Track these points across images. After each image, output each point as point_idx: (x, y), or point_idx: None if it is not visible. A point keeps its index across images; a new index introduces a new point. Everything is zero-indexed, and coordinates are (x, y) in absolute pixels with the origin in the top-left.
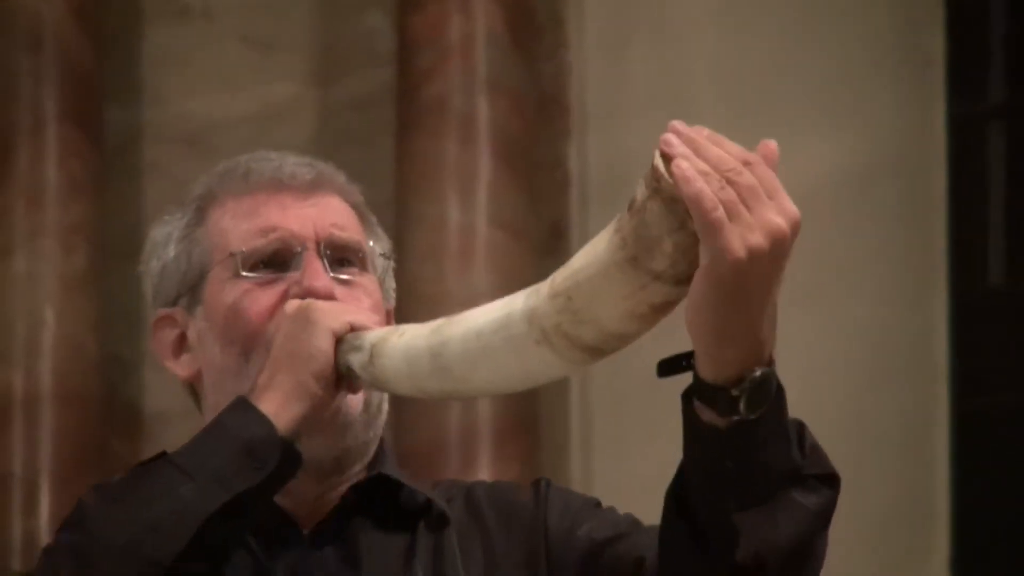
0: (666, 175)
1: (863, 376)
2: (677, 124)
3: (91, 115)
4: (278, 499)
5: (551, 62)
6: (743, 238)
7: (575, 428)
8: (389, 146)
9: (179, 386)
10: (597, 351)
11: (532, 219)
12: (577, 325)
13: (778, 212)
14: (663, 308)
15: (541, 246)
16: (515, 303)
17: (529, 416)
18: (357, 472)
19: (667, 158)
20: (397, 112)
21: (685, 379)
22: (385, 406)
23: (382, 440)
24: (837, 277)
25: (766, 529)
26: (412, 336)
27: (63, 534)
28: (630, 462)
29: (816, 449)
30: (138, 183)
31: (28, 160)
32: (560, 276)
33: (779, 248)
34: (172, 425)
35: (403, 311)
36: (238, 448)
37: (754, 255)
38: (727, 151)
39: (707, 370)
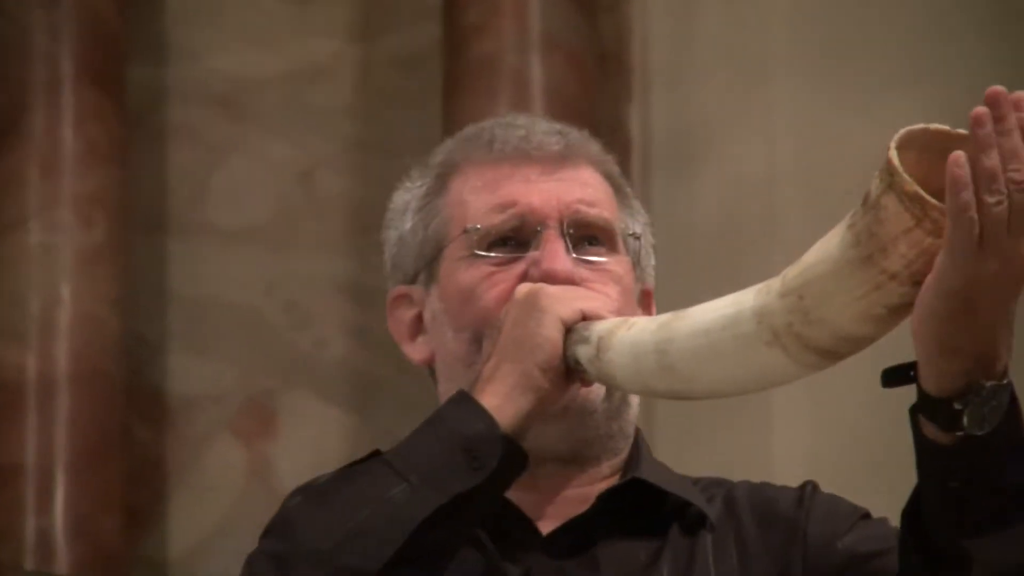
0: (901, 170)
1: None
2: (998, 90)
3: (112, 74)
4: (514, 496)
5: (612, 16)
6: (989, 262)
7: (638, 421)
8: (436, 108)
9: (206, 369)
10: (830, 354)
11: None
12: (808, 325)
13: None
14: (900, 310)
15: None
16: (744, 300)
17: None
18: (606, 474)
19: (903, 149)
20: (444, 71)
21: None
22: (634, 399)
23: (638, 437)
24: None
25: (1001, 555)
26: (639, 330)
27: (265, 540)
28: (694, 457)
29: None
30: (163, 148)
31: (43, 124)
32: (791, 273)
33: (1021, 276)
34: (201, 411)
35: None
36: (455, 446)
37: (996, 279)
38: None
39: (930, 382)
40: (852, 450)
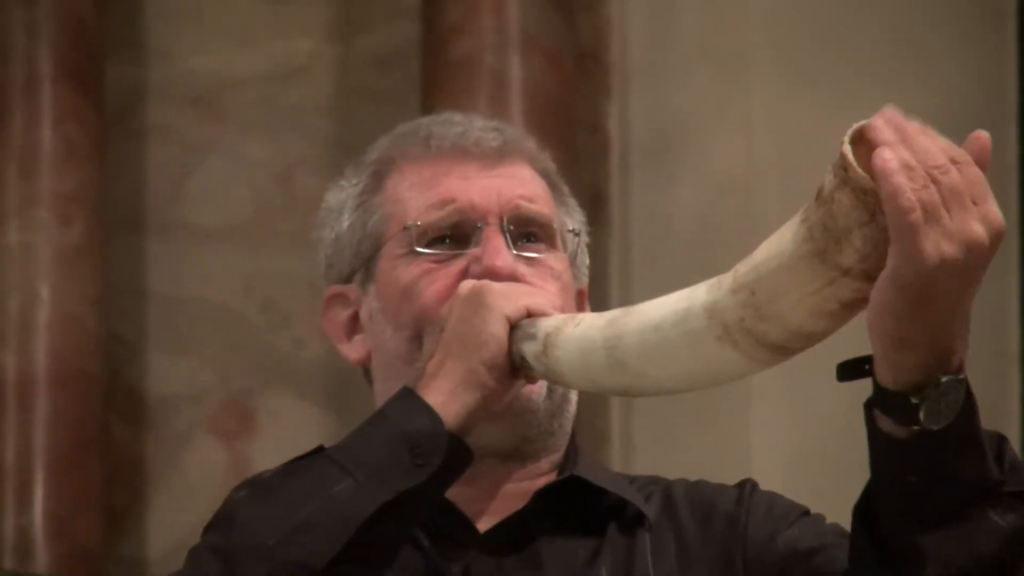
0: (855, 164)
1: None
2: (889, 111)
3: (90, 73)
4: (452, 493)
5: (590, 15)
6: (937, 246)
7: (616, 419)
8: (414, 107)
9: (185, 369)
10: (782, 350)
11: (570, 186)
12: (760, 321)
13: (981, 220)
14: (853, 305)
15: None
16: (696, 295)
17: None
18: (545, 470)
19: (856, 144)
20: (423, 70)
21: None
22: (573, 396)
23: (574, 437)
24: None
25: (957, 551)
26: (587, 327)
27: (209, 534)
28: (672, 455)
29: (1018, 465)
30: (142, 148)
31: (21, 123)
32: (743, 268)
33: (976, 260)
34: (179, 411)
35: None
36: (400, 443)
37: (946, 265)
38: (938, 144)
39: (886, 376)
40: (831, 448)
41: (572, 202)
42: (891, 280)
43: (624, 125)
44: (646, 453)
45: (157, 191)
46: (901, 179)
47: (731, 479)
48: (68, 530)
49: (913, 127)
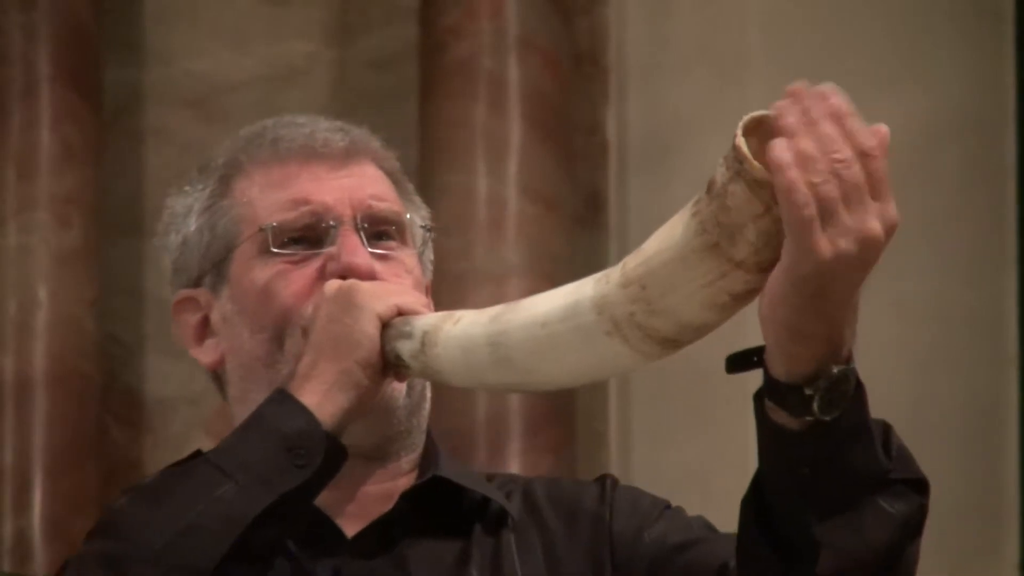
0: (749, 156)
1: (924, 359)
2: (799, 87)
3: (88, 76)
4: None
5: (587, 18)
6: (832, 242)
7: (613, 418)
8: (412, 110)
9: (182, 371)
10: (673, 343)
11: (567, 189)
12: (651, 315)
13: (878, 216)
14: (745, 296)
15: (576, 218)
16: (583, 290)
17: (564, 405)
18: (405, 470)
19: (753, 134)
20: (421, 73)
21: (724, 372)
22: (428, 392)
23: (430, 435)
24: (895, 250)
25: (849, 539)
26: (469, 324)
27: (92, 542)
28: (670, 454)
29: (904, 452)
30: (139, 150)
31: (19, 125)
32: (632, 262)
33: (870, 254)
34: (177, 413)
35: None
36: (278, 444)
37: (841, 260)
38: (846, 131)
39: (779, 367)
40: None
41: (418, 199)
42: (786, 274)
43: (621, 127)
44: (643, 455)
45: (155, 193)
46: (795, 173)
47: (729, 479)
48: (66, 532)
49: (822, 107)
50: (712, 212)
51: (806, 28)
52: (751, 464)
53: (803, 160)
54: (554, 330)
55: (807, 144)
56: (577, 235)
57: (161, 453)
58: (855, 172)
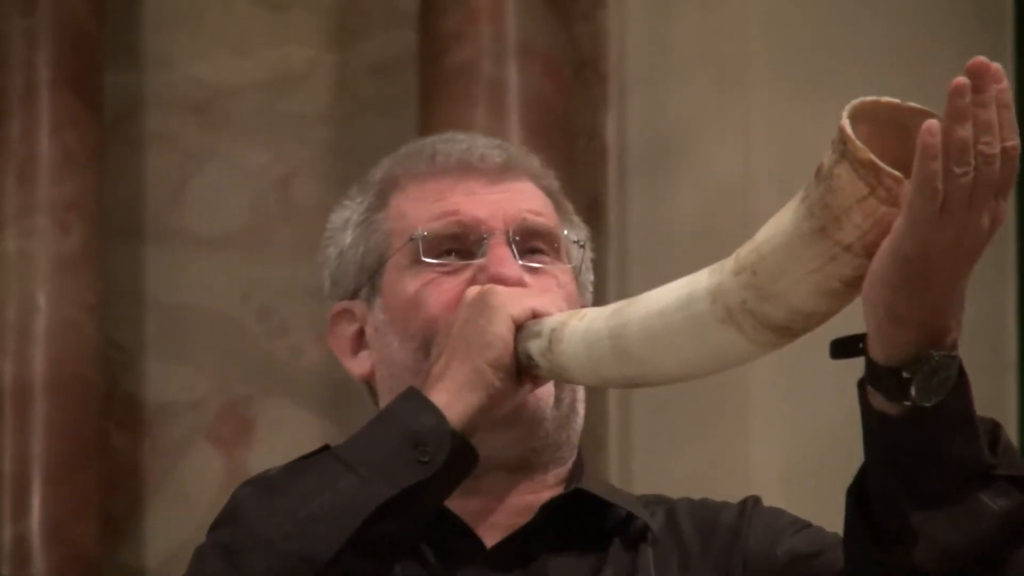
0: (853, 138)
1: None
2: (982, 62)
3: (89, 81)
4: (458, 505)
5: (588, 24)
6: (945, 232)
7: (613, 425)
8: (412, 115)
9: (183, 376)
10: (786, 331)
11: (567, 194)
12: (763, 302)
13: (992, 215)
14: (855, 283)
15: None
16: (699, 279)
17: None
18: (551, 483)
19: (859, 120)
20: (420, 78)
21: (725, 379)
22: (581, 408)
23: (580, 451)
24: None
25: (947, 531)
26: (592, 319)
27: (214, 531)
28: (671, 460)
29: (1011, 450)
30: (140, 155)
31: (20, 130)
32: (744, 250)
33: (974, 251)
34: (177, 418)
35: None
36: (404, 439)
37: (947, 251)
38: (1003, 123)
39: (878, 351)
40: (828, 456)
41: (577, 220)
42: (891, 252)
43: (622, 133)
44: (644, 460)
45: (155, 198)
46: (936, 165)
47: (729, 486)
48: (66, 537)
49: (993, 92)
50: (819, 195)
51: (807, 34)
52: (751, 471)
53: (954, 148)
54: (670, 320)
55: (964, 132)
56: None
57: (161, 458)
58: (995, 170)
